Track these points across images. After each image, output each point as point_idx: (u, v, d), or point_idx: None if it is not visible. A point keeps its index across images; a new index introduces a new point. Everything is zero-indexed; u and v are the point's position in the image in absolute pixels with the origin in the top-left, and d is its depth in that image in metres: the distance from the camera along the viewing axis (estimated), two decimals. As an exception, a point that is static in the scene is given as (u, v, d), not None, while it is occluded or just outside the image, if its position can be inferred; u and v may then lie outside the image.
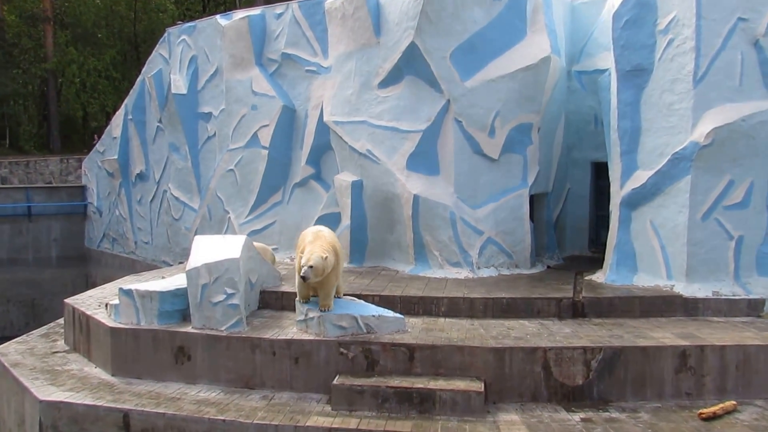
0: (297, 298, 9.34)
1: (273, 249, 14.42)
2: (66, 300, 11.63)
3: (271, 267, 11.20)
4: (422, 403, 8.02)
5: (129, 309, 9.86)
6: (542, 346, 8.38)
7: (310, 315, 9.00)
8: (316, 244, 8.81)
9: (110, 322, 9.92)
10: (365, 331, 8.89)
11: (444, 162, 12.30)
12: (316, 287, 9.00)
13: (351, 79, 13.22)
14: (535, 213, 13.28)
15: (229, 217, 15.86)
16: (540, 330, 9.13)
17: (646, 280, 10.56)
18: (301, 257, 8.83)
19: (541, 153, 12.66)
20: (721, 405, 7.86)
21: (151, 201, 19.89)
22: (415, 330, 9.16)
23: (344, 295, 9.71)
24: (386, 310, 9.29)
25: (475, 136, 12.12)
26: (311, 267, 8.59)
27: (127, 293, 9.91)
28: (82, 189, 25.04)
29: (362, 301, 9.57)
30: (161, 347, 9.39)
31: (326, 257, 8.64)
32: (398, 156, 12.50)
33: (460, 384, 8.15)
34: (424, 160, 12.37)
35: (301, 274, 8.65)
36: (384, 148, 12.67)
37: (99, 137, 24.47)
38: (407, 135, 12.42)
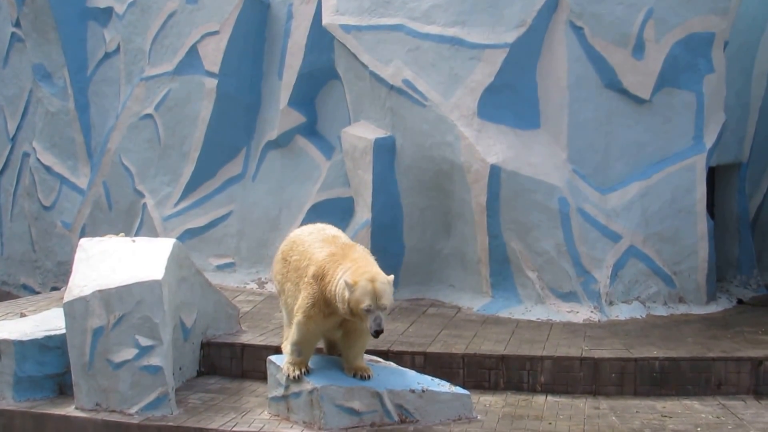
0: (276, 359, 9.35)
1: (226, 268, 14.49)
2: None
3: (222, 298, 11.31)
4: None
5: (-40, 372, 9.99)
6: (727, 449, 8.47)
7: (296, 388, 9.04)
8: (361, 260, 8.51)
9: (-75, 397, 10.04)
10: (397, 419, 8.93)
11: (548, 105, 12.41)
12: (344, 331, 8.88)
13: (374, -52, 13.30)
14: (718, 202, 13.32)
15: (145, 204, 15.96)
16: (722, 418, 9.18)
17: None
18: (292, 281, 8.82)
19: (730, 90, 12.66)
20: None
21: (0, 173, 20.07)
22: (492, 417, 9.21)
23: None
24: (438, 380, 9.35)
25: (608, 56, 12.20)
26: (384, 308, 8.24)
27: (-43, 344, 10.04)
28: None
29: (392, 364, 9.63)
30: (20, 443, 9.50)
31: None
32: (463, 92, 12.56)
33: None
34: (510, 100, 12.45)
35: (375, 329, 8.17)
36: (436, 78, 12.73)
37: None
38: (480, 53, 12.48)
